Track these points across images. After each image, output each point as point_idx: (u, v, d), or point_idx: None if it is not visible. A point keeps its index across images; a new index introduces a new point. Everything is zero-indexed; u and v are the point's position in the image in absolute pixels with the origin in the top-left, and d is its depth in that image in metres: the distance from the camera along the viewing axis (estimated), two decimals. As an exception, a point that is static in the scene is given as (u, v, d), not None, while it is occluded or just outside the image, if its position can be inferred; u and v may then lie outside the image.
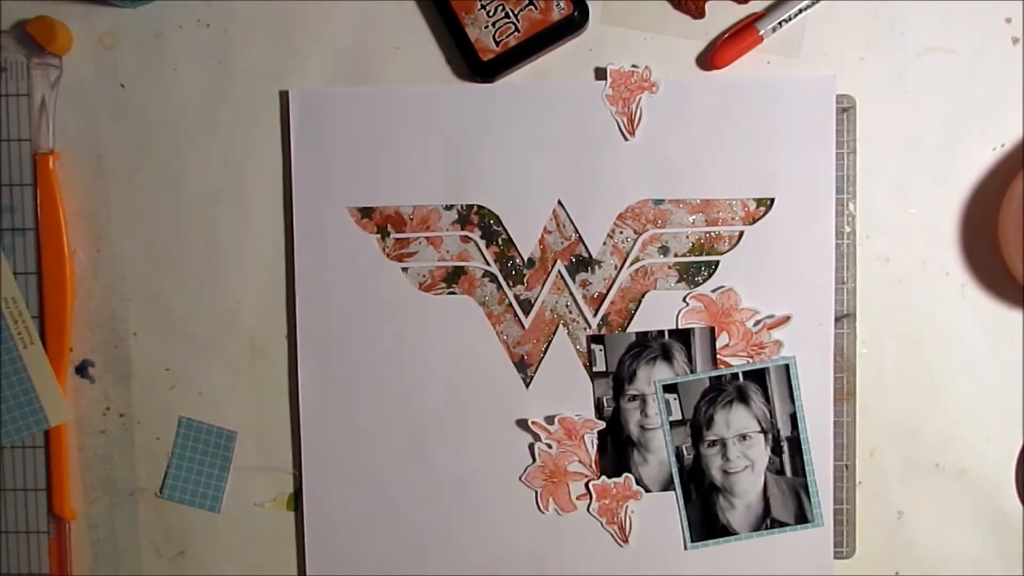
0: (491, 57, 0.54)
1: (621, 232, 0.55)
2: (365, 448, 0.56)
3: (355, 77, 0.56)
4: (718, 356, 0.55)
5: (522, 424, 0.56)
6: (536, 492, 0.56)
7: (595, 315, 0.56)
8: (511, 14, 0.54)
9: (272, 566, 0.57)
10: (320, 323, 0.56)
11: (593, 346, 0.56)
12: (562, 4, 0.54)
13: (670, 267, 0.56)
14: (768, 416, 0.55)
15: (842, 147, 0.55)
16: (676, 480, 0.56)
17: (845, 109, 0.55)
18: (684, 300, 0.55)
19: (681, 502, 0.56)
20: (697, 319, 0.55)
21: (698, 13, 0.55)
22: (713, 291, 0.55)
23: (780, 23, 0.54)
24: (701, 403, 0.55)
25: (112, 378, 0.57)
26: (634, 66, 0.54)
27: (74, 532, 0.57)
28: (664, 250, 0.56)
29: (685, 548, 0.56)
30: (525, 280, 0.56)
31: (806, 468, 0.55)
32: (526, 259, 0.56)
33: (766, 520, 0.55)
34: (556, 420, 0.55)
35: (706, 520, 0.56)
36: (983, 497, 0.56)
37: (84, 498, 0.57)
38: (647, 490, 0.56)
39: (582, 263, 0.56)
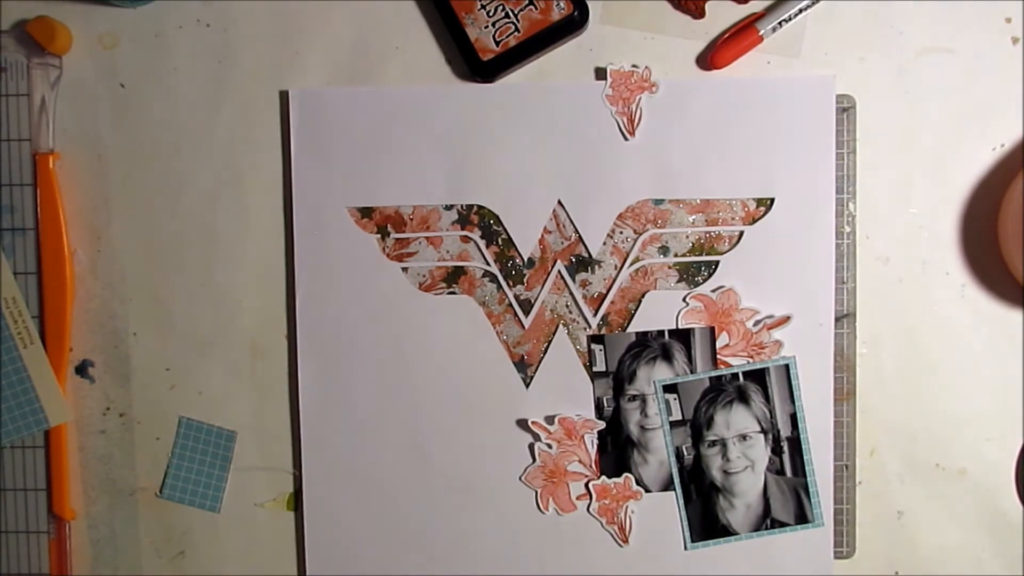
0: (491, 57, 0.54)
1: (621, 232, 0.55)
2: (365, 448, 0.56)
3: (355, 77, 0.56)
4: (718, 356, 0.55)
5: (522, 424, 0.56)
6: (536, 492, 0.56)
7: (595, 315, 0.56)
8: (511, 14, 0.54)
9: (272, 566, 0.57)
10: (320, 323, 0.56)
11: (593, 346, 0.56)
12: (562, 4, 0.54)
13: (670, 267, 0.56)
14: (768, 416, 0.55)
15: (842, 147, 0.55)
16: (676, 480, 0.56)
17: (845, 109, 0.55)
18: (684, 300, 0.55)
19: (681, 502, 0.56)
20: (697, 319, 0.55)
21: (698, 13, 0.55)
22: (713, 291, 0.55)
23: (780, 23, 0.54)
24: (701, 403, 0.55)
25: (112, 378, 0.57)
26: (634, 66, 0.54)
27: (74, 532, 0.57)
28: (664, 250, 0.56)
29: (685, 548, 0.56)
30: (525, 280, 0.56)
31: (806, 468, 0.55)
32: (526, 259, 0.56)
33: (766, 520, 0.55)
34: (556, 420, 0.55)
35: (706, 520, 0.56)
36: (983, 497, 0.56)
37: (84, 498, 0.57)
38: (647, 490, 0.56)
39: (582, 263, 0.56)
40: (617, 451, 0.56)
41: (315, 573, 0.57)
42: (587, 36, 0.55)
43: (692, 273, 0.55)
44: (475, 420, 0.56)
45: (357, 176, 0.56)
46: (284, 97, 0.56)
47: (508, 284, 0.56)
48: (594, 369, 0.56)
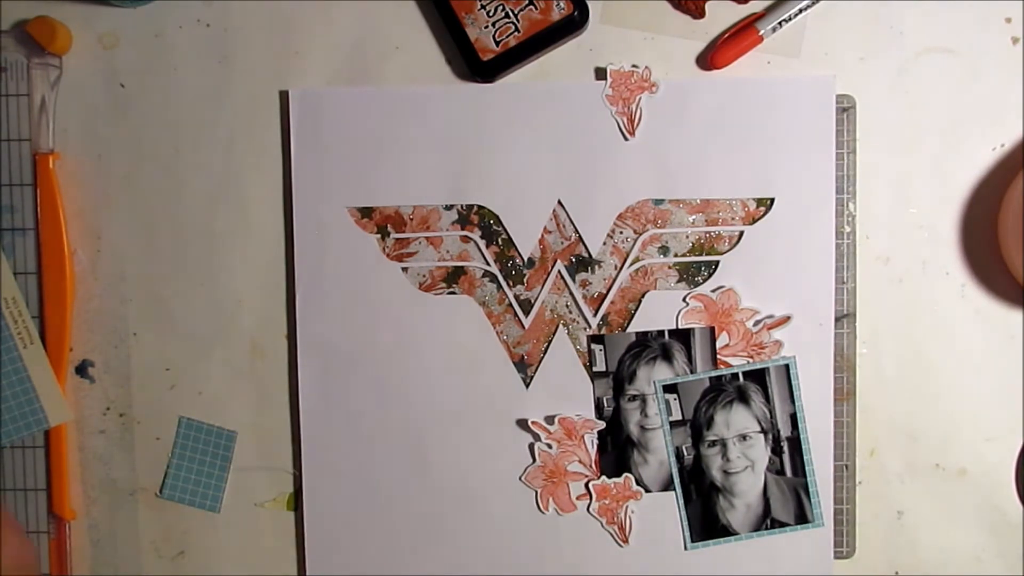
0: (491, 57, 0.54)
1: (621, 232, 0.55)
2: (365, 448, 0.56)
3: (355, 77, 0.56)
4: (718, 356, 0.55)
5: (522, 424, 0.56)
6: (536, 492, 0.56)
7: (595, 315, 0.56)
8: (511, 14, 0.54)
9: (272, 566, 0.57)
10: (320, 323, 0.56)
11: (593, 346, 0.56)
12: (562, 4, 0.54)
13: (670, 267, 0.56)
14: (768, 416, 0.55)
15: (842, 147, 0.55)
16: (676, 480, 0.56)
17: (845, 109, 0.55)
18: (684, 300, 0.55)
19: (681, 502, 0.56)
20: (697, 319, 0.55)
21: (698, 13, 0.55)
22: (713, 291, 0.55)
23: (780, 23, 0.54)
24: (701, 403, 0.55)
25: (112, 378, 0.57)
26: (634, 66, 0.54)
27: (74, 532, 0.57)
28: (664, 250, 0.56)
29: (685, 548, 0.56)
30: (525, 280, 0.56)
31: (806, 468, 0.55)
32: (526, 259, 0.56)
33: (766, 520, 0.55)
34: (556, 420, 0.55)
35: (706, 520, 0.56)
36: (983, 497, 0.56)
37: (84, 498, 0.57)
38: (647, 490, 0.56)
39: (582, 263, 0.56)
40: (617, 451, 0.56)
41: (315, 573, 0.57)
42: (587, 36, 0.55)
43: (692, 273, 0.55)
44: (475, 420, 0.56)
45: (357, 176, 0.56)
46: (284, 97, 0.56)
47: (508, 284, 0.56)
48: (594, 369, 0.56)
